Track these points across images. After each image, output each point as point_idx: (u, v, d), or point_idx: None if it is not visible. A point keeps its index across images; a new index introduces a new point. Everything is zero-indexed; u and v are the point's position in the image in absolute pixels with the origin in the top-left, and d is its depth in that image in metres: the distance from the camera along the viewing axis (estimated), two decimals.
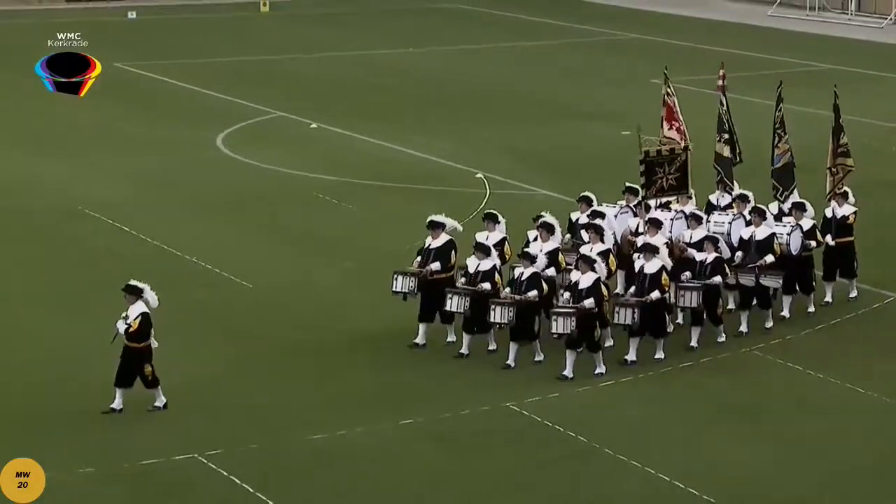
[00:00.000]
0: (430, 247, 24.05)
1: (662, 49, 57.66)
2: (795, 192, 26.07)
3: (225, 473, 19.70)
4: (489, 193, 33.67)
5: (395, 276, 23.99)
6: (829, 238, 25.45)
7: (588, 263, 22.62)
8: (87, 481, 19.53)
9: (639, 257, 23.34)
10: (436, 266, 23.79)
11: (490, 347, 23.47)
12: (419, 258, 24.08)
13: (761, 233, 24.40)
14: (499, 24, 64.98)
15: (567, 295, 22.65)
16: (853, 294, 26.01)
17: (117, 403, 21.46)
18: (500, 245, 24.11)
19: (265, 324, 25.26)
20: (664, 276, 22.92)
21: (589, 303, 22.28)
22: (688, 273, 23.63)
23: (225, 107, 45.24)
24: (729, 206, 25.75)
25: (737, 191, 25.90)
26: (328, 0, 70.72)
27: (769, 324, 24.56)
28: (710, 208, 26.10)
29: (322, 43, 58.84)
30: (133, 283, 21.79)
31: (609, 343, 23.57)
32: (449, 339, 23.95)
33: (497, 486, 19.61)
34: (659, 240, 23.66)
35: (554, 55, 56.41)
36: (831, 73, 51.96)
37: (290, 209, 33.07)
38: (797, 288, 25.07)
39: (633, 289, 23.21)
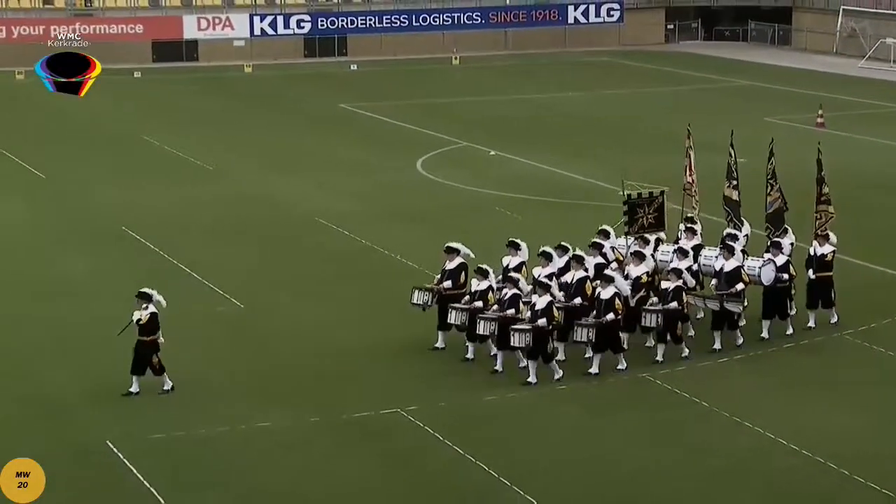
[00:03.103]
0: (446, 268, 23.03)
1: (771, 93, 56.66)
2: (790, 232, 24.45)
3: (420, 424, 19.81)
4: None
5: (414, 290, 22.96)
6: (810, 272, 23.85)
7: (544, 288, 21.40)
8: (314, 428, 19.77)
9: (598, 285, 22.02)
10: (447, 284, 22.82)
11: (493, 353, 22.04)
12: (438, 276, 23.10)
13: (729, 266, 22.90)
14: (640, 73, 64.35)
15: (528, 313, 21.30)
16: (833, 320, 23.96)
17: (134, 388, 20.73)
18: (518, 269, 22.84)
19: None
20: (617, 301, 21.58)
21: (542, 322, 21.04)
22: (655, 299, 22.37)
23: (423, 138, 45.48)
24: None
25: (728, 229, 24.43)
26: (504, 55, 70.75)
27: (739, 341, 22.82)
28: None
29: (499, 88, 58.87)
30: (144, 290, 20.89)
31: (588, 354, 22.01)
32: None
33: (632, 439, 19.44)
34: (640, 269, 22.61)
35: (685, 98, 55.68)
36: None
37: (473, 218, 33.08)
38: (775, 314, 23.35)
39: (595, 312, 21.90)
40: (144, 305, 20.81)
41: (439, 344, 22.93)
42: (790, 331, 23.54)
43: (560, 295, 22.07)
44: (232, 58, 66.52)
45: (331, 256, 29.76)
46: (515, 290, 21.83)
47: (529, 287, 22.05)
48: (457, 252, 23.21)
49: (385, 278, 27.71)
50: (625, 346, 22.15)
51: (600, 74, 64.06)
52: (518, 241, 23.53)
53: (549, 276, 22.34)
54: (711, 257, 23.63)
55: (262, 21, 68.53)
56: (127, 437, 19.20)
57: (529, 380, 21.25)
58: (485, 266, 22.61)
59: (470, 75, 63.35)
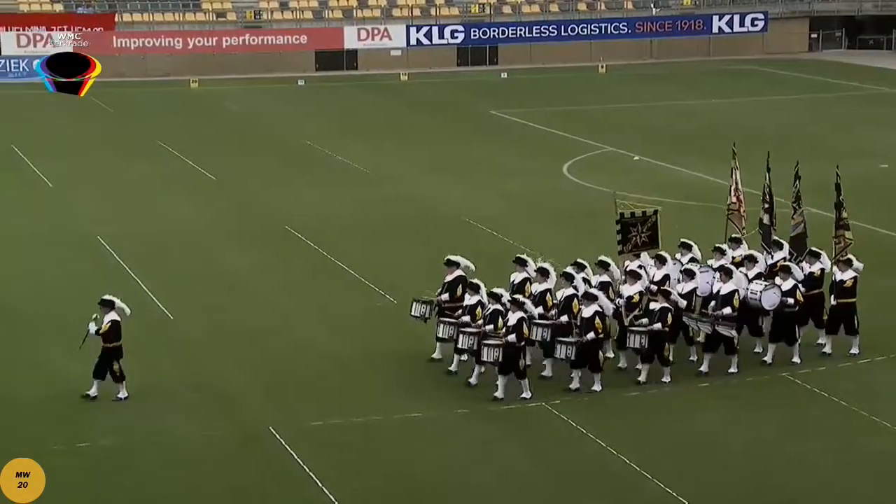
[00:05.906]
0: (445, 280, 22.50)
1: None
2: (824, 257, 22.89)
3: (564, 418, 19.81)
4: None
5: (413, 302, 22.43)
6: (832, 298, 22.46)
7: (518, 305, 20.66)
8: (461, 418, 19.90)
9: (581, 302, 21.24)
10: (445, 297, 22.31)
11: (479, 370, 21.29)
12: (440, 289, 22.52)
13: (725, 289, 21.66)
14: (783, 81, 63.11)
15: (505, 329, 20.68)
16: (854, 350, 22.27)
17: (93, 391, 20.06)
18: (521, 284, 22.06)
19: None
20: (597, 320, 20.73)
21: (512, 338, 20.35)
22: (645, 320, 21.28)
23: (569, 143, 45.33)
24: (774, 264, 23.03)
25: (747, 251, 23.24)
26: (649, 63, 70.09)
27: (733, 369, 21.44)
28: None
29: (644, 95, 58.32)
30: (106, 297, 20.13)
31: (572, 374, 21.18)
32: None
33: (770, 434, 19.15)
34: (635, 288, 21.75)
35: (828, 105, 54.41)
36: None
37: (612, 220, 32.76)
38: (782, 339, 21.86)
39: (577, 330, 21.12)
40: (106, 312, 20.06)
41: (436, 355, 22.32)
42: (796, 358, 21.95)
43: (534, 311, 21.28)
44: (389, 66, 67.20)
45: (479, 255, 29.61)
46: (497, 306, 21.16)
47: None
48: (456, 265, 22.68)
49: None
50: (622, 364, 21.60)
51: (744, 82, 62.98)
52: (525, 257, 22.89)
53: (543, 293, 21.75)
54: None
55: (418, 31, 69.14)
56: (287, 424, 19.56)
57: (497, 395, 20.52)
58: (476, 281, 22.04)
59: (615, 83, 62.88)
